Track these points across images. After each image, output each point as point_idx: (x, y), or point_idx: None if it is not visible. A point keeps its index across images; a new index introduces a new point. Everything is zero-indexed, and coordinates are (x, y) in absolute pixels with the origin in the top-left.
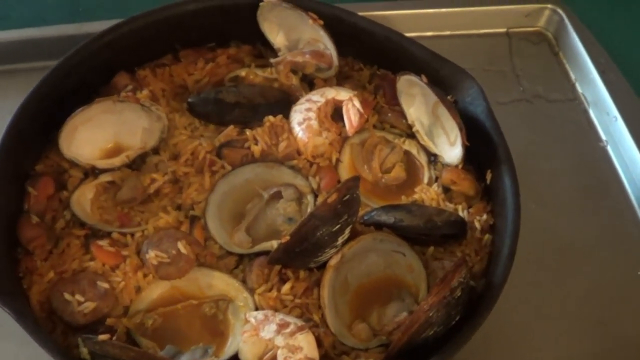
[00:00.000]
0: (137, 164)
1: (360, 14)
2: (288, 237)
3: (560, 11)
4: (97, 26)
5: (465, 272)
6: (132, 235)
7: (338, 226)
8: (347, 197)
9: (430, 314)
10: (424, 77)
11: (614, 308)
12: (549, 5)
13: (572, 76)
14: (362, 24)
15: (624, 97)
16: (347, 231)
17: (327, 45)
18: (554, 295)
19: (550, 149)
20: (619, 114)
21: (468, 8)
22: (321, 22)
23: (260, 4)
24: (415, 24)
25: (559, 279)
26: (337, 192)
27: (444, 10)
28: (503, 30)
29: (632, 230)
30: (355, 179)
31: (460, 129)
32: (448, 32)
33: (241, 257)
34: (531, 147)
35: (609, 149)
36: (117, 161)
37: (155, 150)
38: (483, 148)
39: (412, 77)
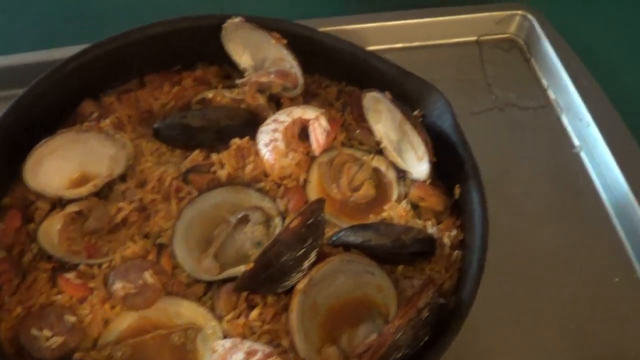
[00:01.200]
0: (104, 192)
1: (329, 28)
2: (252, 264)
3: (530, 17)
4: (68, 52)
5: (432, 293)
6: (99, 266)
7: (303, 250)
8: (311, 220)
9: (397, 337)
10: (388, 94)
11: (591, 317)
12: (519, 12)
13: (545, 82)
14: (326, 41)
15: (596, 102)
16: (313, 255)
17: (292, 64)
18: (530, 307)
19: (523, 156)
20: (592, 119)
21: (437, 18)
22: (284, 41)
23: (224, 25)
24: (384, 37)
25: (534, 290)
26: (301, 216)
27: (413, 21)
28: (474, 38)
29: (607, 237)
30: (320, 202)
31: (426, 145)
32: (418, 43)
33: (209, 284)
34: (505, 155)
35: (583, 154)
36: (84, 190)
37: (123, 178)
38: (451, 163)
39: (377, 94)
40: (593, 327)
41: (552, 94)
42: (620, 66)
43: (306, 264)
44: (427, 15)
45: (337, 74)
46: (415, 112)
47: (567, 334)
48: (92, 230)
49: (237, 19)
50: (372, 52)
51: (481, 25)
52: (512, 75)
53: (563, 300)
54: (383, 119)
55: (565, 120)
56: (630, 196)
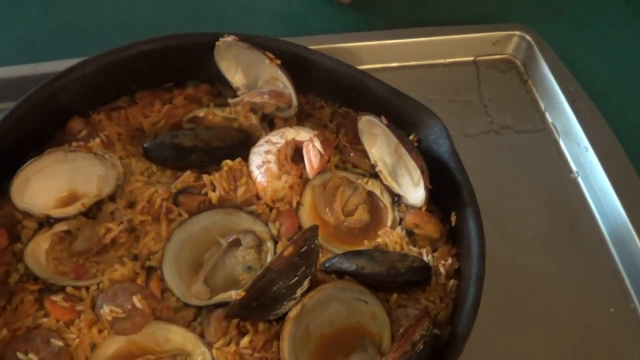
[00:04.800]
0: (93, 211)
1: (322, 46)
2: (243, 293)
3: (528, 37)
4: (53, 66)
5: (427, 325)
6: (87, 288)
7: (296, 279)
8: (305, 248)
9: None
10: (384, 119)
11: (586, 347)
12: (517, 32)
13: (542, 105)
14: (321, 61)
15: (594, 126)
16: (306, 282)
17: (285, 84)
18: (525, 337)
19: (519, 181)
20: (590, 144)
21: (434, 37)
22: (278, 61)
23: (217, 43)
24: (380, 55)
25: (530, 319)
26: (294, 244)
27: (409, 40)
28: (470, 58)
29: (604, 265)
30: (313, 229)
31: (422, 172)
32: (414, 63)
33: (199, 309)
34: (500, 180)
35: (580, 180)
36: (72, 210)
37: (112, 198)
38: (447, 189)
39: (372, 118)
40: (588, 357)
41: (549, 117)
42: (618, 90)
43: (299, 291)
44: (423, 35)
45: (332, 95)
46: (411, 137)
47: None
48: (80, 251)
49: (229, 38)
50: (367, 73)
51: (478, 46)
52: (509, 97)
53: (558, 330)
54: (378, 142)
55: (562, 144)
56: (628, 224)
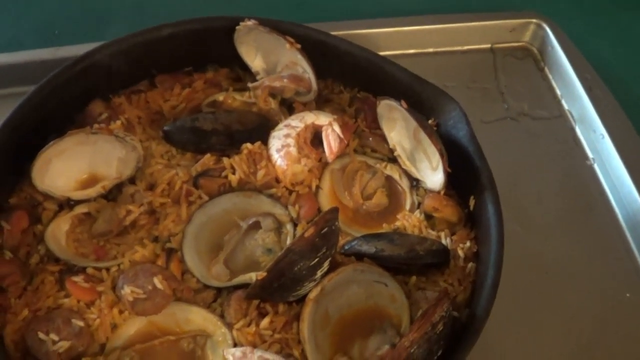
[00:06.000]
0: (113, 194)
1: (342, 32)
2: (265, 273)
3: (545, 25)
4: (73, 50)
5: (447, 306)
6: (108, 270)
7: (316, 260)
8: (326, 230)
9: (412, 351)
10: (404, 103)
11: (603, 332)
12: (534, 20)
13: (558, 92)
14: (341, 46)
15: (611, 113)
16: (326, 264)
17: (305, 69)
18: (541, 322)
19: (536, 168)
20: (606, 132)
21: (451, 24)
22: (298, 46)
23: (237, 27)
24: (397, 42)
25: (546, 304)
26: (315, 225)
27: (427, 27)
28: (487, 46)
29: (620, 251)
30: (334, 211)
31: (442, 156)
32: (431, 49)
33: (219, 290)
34: (517, 166)
35: (596, 167)
36: (92, 192)
37: (132, 180)
38: (466, 173)
39: (392, 102)
40: (604, 342)
41: (565, 105)
42: (634, 77)
43: (319, 273)
44: (441, 21)
45: (351, 80)
46: (430, 121)
47: (579, 349)
48: (100, 233)
49: (250, 22)
50: (387, 58)
51: (495, 33)
52: (526, 84)
53: (574, 315)
54: (397, 127)
55: (578, 131)
56: None
